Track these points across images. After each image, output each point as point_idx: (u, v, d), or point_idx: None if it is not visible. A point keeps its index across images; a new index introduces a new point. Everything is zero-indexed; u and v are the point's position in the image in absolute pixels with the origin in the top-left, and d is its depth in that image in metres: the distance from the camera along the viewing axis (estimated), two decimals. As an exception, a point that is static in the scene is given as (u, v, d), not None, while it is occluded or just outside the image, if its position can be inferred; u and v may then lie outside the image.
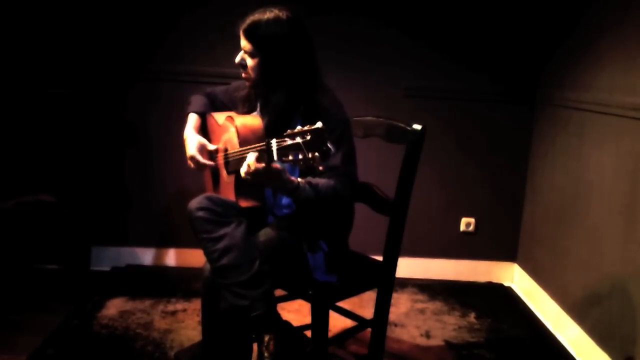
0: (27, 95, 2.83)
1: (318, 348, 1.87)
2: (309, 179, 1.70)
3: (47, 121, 2.85)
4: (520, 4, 2.84)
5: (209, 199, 1.75)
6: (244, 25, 1.78)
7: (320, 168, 1.45)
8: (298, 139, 1.44)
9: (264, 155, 1.52)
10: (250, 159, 1.56)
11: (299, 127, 1.46)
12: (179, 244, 3.04)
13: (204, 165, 1.93)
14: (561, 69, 2.72)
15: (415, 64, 2.90)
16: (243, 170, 1.58)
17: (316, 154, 1.43)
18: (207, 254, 1.72)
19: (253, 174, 1.55)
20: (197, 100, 2.08)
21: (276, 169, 1.57)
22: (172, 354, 2.19)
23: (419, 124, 1.87)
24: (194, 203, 1.74)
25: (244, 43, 1.79)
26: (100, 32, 2.81)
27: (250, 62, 1.80)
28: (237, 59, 1.83)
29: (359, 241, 2.05)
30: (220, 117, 1.96)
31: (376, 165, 2.64)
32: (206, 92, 2.12)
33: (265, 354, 1.66)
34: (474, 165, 3.01)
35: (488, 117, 2.97)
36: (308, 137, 1.43)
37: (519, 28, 2.87)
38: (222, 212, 1.73)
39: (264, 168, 1.54)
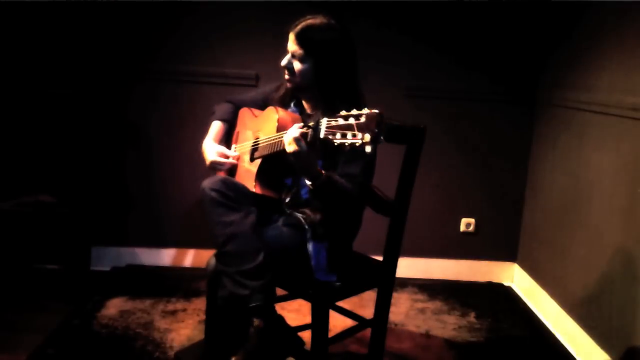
0: (28, 95, 2.83)
1: (318, 348, 1.87)
2: (331, 173, 1.70)
3: (47, 121, 2.85)
4: (520, 4, 2.84)
5: (223, 181, 1.74)
6: (297, 30, 1.77)
7: (368, 149, 1.42)
8: (351, 120, 1.43)
9: (310, 131, 1.52)
10: (294, 131, 1.56)
11: (354, 110, 1.46)
12: (179, 244, 3.05)
13: (227, 164, 1.95)
14: (561, 69, 2.72)
15: (415, 64, 2.90)
16: (287, 136, 1.57)
17: (367, 135, 1.41)
18: (213, 237, 1.73)
19: (295, 149, 1.55)
20: (222, 107, 2.08)
21: (314, 151, 1.58)
22: (172, 353, 2.20)
23: (419, 124, 1.87)
24: (208, 183, 1.74)
25: (294, 47, 1.78)
26: (101, 32, 2.81)
27: (298, 65, 1.79)
28: (284, 62, 1.81)
29: (359, 241, 2.05)
30: (258, 110, 1.98)
31: (376, 165, 2.64)
32: (233, 99, 2.11)
33: (251, 337, 1.66)
34: (474, 165, 3.02)
35: (488, 118, 2.98)
36: (362, 120, 1.42)
37: (519, 28, 2.87)
38: (234, 197, 1.72)
39: (306, 143, 1.54)
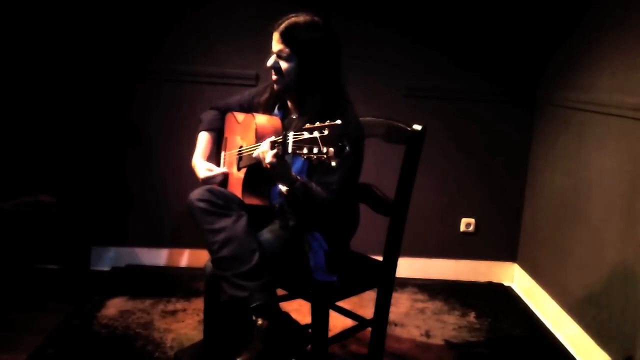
0: (28, 95, 2.83)
1: (318, 348, 1.87)
2: (306, 180, 1.71)
3: (47, 121, 2.85)
4: (520, 4, 2.84)
5: (209, 190, 1.76)
6: (281, 28, 1.75)
7: (333, 163, 1.46)
8: (315, 134, 1.46)
9: (279, 147, 1.55)
10: (265, 147, 1.58)
11: (317, 123, 1.48)
12: (179, 244, 3.05)
13: (217, 177, 1.96)
14: (561, 69, 2.72)
15: (415, 64, 2.90)
16: (258, 151, 1.61)
17: (331, 149, 1.44)
18: (207, 244, 1.74)
19: (268, 162, 1.58)
20: (208, 116, 2.09)
21: (285, 163, 1.61)
22: (172, 353, 2.20)
23: (419, 124, 1.87)
24: (195, 194, 1.76)
25: (279, 47, 1.76)
26: (101, 32, 2.81)
27: (284, 65, 1.77)
28: (270, 63, 1.79)
29: (359, 241, 2.06)
30: (240, 115, 1.99)
31: (376, 165, 2.64)
32: (218, 105, 2.12)
33: (257, 338, 1.66)
34: (474, 165, 3.02)
35: (488, 118, 2.98)
36: (325, 132, 1.45)
37: (519, 28, 2.87)
38: (222, 204, 1.75)
39: (276, 157, 1.57)
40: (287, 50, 1.75)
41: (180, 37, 2.85)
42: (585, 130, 2.47)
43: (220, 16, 2.82)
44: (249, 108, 2.01)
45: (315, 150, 1.46)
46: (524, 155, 3.01)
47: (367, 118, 2.03)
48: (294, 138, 1.50)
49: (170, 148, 2.93)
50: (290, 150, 1.51)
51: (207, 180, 1.96)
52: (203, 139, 2.06)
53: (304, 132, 1.48)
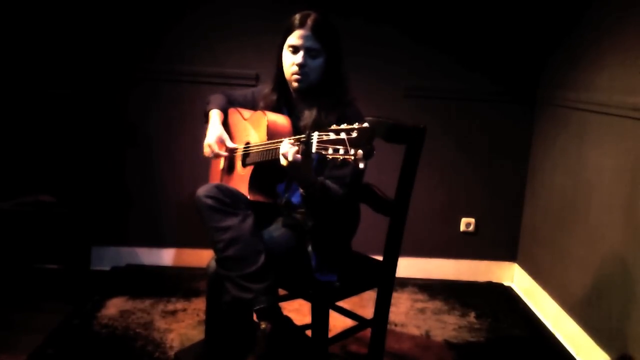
0: (27, 95, 2.83)
1: (318, 348, 1.87)
2: (322, 179, 1.71)
3: (47, 121, 2.85)
4: (520, 4, 2.84)
5: (218, 188, 1.74)
6: (310, 25, 1.75)
7: (361, 165, 1.43)
8: (343, 135, 1.43)
9: (302, 145, 1.52)
10: (286, 145, 1.55)
11: (344, 125, 1.45)
12: (179, 244, 3.05)
13: (218, 154, 1.93)
14: (561, 68, 2.72)
15: (415, 64, 2.90)
16: (283, 151, 1.56)
17: (360, 151, 1.42)
18: (212, 243, 1.73)
19: (290, 161, 1.55)
20: (218, 98, 2.07)
21: (307, 162, 1.57)
22: (172, 353, 2.20)
23: (419, 123, 1.87)
24: (202, 190, 1.74)
25: (309, 43, 1.76)
26: (100, 32, 2.81)
27: (313, 62, 1.78)
28: (300, 60, 1.77)
29: (359, 241, 2.06)
30: (246, 112, 1.97)
31: (376, 165, 2.63)
32: (224, 92, 2.11)
33: (259, 341, 1.66)
34: (474, 165, 3.02)
35: (488, 117, 2.98)
36: (354, 135, 1.42)
37: (519, 28, 2.87)
38: (230, 202, 1.73)
39: (297, 157, 1.53)
40: (317, 46, 1.76)
41: (179, 37, 2.84)
42: (585, 130, 2.47)
43: (220, 15, 2.82)
44: (253, 105, 2.00)
45: (341, 151, 1.43)
46: (524, 155, 3.01)
47: (367, 118, 2.01)
48: (318, 138, 1.47)
49: (170, 148, 2.93)
50: (314, 150, 1.48)
51: (210, 147, 1.91)
52: (217, 114, 2.00)
53: (330, 133, 1.45)
